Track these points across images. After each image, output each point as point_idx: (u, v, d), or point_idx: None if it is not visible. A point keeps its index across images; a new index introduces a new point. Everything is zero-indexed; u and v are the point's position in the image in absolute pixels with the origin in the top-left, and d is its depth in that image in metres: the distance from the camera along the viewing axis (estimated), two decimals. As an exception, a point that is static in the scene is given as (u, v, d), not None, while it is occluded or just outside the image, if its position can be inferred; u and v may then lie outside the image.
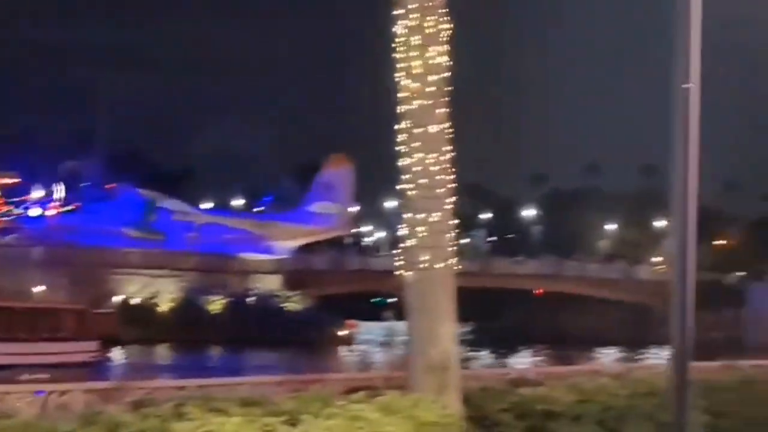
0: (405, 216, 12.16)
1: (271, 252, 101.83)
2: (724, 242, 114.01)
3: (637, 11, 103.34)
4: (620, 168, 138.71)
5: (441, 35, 12.02)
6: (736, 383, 14.82)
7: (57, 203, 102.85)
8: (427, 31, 12.00)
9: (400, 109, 12.05)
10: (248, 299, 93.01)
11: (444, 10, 11.99)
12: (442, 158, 12.04)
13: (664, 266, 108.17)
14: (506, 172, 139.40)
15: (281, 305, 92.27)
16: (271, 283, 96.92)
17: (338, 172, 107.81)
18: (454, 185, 12.07)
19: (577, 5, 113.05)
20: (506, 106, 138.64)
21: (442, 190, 11.97)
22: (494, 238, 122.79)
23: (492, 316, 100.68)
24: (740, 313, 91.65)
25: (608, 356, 71.67)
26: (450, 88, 12.03)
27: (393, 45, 12.14)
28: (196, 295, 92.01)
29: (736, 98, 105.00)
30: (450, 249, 12.06)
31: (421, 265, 11.91)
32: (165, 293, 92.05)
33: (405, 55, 12.04)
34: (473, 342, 69.95)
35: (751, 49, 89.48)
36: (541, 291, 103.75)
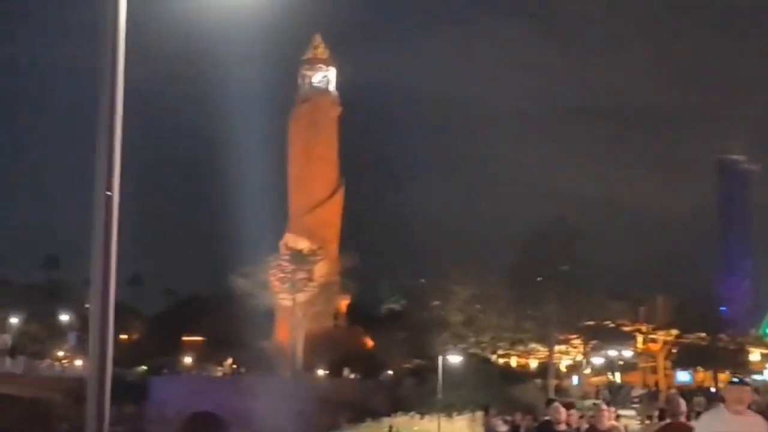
0: None
1: None
2: (128, 337, 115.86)
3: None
4: (26, 259, 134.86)
5: None
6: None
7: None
8: None
9: None
10: None
11: None
12: None
13: (67, 361, 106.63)
14: None
15: None
16: None
17: None
18: None
19: None
20: None
21: None
22: None
23: None
24: (142, 407, 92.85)
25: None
26: None
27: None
28: None
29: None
30: None
31: None
32: None
33: None
34: None
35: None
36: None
